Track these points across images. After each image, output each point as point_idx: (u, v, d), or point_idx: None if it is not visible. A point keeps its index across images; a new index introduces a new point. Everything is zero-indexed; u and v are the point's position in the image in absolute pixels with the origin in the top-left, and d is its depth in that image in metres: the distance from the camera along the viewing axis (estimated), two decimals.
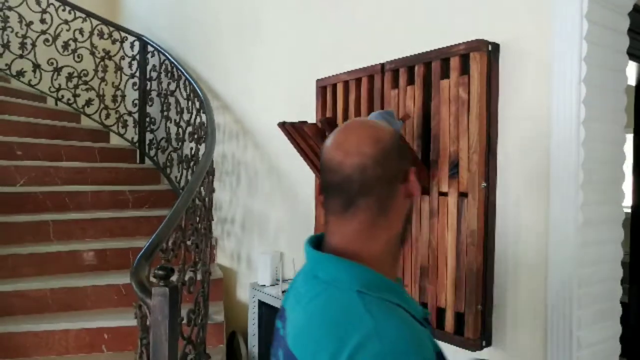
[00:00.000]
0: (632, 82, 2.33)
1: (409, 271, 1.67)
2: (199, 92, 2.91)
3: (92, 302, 2.59)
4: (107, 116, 3.83)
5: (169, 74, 3.44)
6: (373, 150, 0.74)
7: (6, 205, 2.78)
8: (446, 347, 1.57)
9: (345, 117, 1.94)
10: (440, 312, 1.58)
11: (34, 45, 3.70)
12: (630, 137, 2.41)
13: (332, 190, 0.77)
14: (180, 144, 3.29)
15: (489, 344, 1.52)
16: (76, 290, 2.57)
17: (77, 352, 2.39)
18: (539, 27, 1.39)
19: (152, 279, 1.48)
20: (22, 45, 3.70)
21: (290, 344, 0.74)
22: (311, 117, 2.15)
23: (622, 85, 1.44)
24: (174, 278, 1.56)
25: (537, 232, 1.41)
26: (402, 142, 0.82)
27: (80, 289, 2.58)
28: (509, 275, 1.48)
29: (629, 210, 2.42)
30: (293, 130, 1.87)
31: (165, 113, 3.48)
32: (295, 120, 2.01)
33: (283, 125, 1.90)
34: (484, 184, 1.47)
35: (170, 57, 3.35)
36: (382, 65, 1.77)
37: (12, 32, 3.69)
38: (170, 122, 3.44)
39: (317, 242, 0.82)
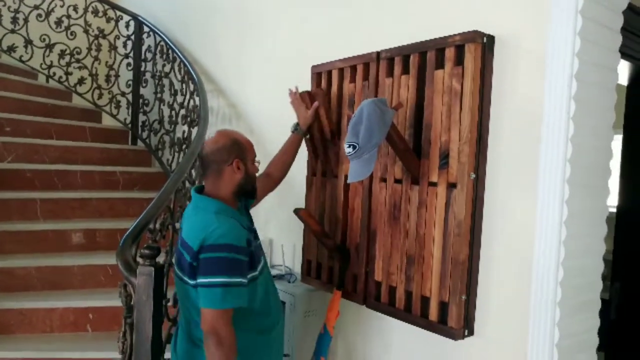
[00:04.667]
0: (623, 81, 2.34)
1: (397, 259, 1.68)
2: (194, 74, 2.88)
3: (78, 281, 2.58)
4: (100, 96, 3.78)
5: (164, 56, 3.41)
6: (214, 146, 1.55)
7: None
8: (430, 336, 1.60)
9: (339, 103, 1.93)
10: (425, 301, 1.59)
11: (26, 20, 3.65)
12: (619, 138, 2.44)
13: (200, 164, 1.60)
14: (173, 126, 3.27)
15: (471, 333, 1.54)
16: (63, 269, 2.56)
17: (62, 330, 2.39)
18: (534, 21, 1.40)
19: (139, 259, 1.48)
20: (14, 20, 3.65)
21: (184, 235, 1.48)
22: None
23: (613, 83, 1.46)
24: (160, 259, 1.56)
25: (523, 225, 1.42)
26: (239, 144, 1.57)
27: (67, 268, 2.57)
28: (494, 267, 1.49)
29: (615, 210, 2.45)
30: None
31: (159, 95, 3.45)
32: (288, 105, 2.01)
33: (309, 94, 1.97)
34: (473, 175, 1.48)
35: (166, 39, 3.31)
36: (378, 53, 1.77)
37: (4, 5, 3.63)
38: (164, 104, 3.41)
39: (199, 189, 1.59)
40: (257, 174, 1.66)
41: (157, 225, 1.84)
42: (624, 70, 2.20)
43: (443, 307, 1.55)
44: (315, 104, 1.92)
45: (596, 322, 1.50)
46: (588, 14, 1.31)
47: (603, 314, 2.54)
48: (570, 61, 1.30)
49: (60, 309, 2.38)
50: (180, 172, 2.07)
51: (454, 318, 1.51)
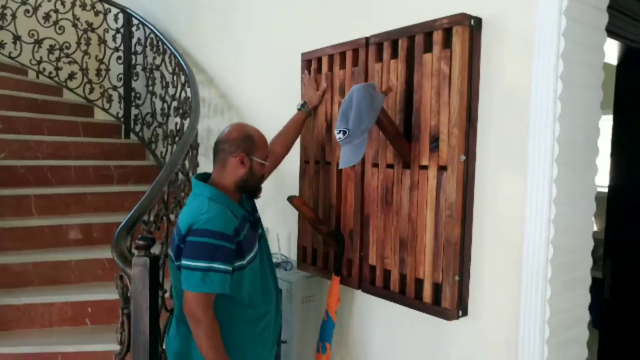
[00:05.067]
0: (613, 60, 2.35)
1: (390, 243, 1.70)
2: (184, 66, 2.87)
3: (75, 276, 2.59)
4: (91, 90, 3.76)
5: (155, 48, 3.39)
6: (227, 136, 1.58)
7: None
8: (424, 317, 1.62)
9: (330, 88, 1.94)
10: (419, 283, 1.61)
11: (14, 16, 3.62)
12: (610, 118, 2.45)
13: (213, 150, 1.61)
14: (165, 119, 3.27)
15: (465, 314, 1.56)
16: (59, 265, 2.57)
17: (61, 325, 2.40)
18: (521, 2, 1.40)
19: (134, 251, 1.49)
20: (2, 16, 3.62)
21: (179, 220, 1.51)
22: (296, 90, 2.14)
23: (600, 62, 1.46)
24: (156, 250, 1.57)
25: (513, 205, 1.44)
26: (250, 140, 1.57)
27: (63, 263, 2.58)
28: (486, 247, 1.51)
29: (606, 190, 2.47)
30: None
31: (151, 88, 3.44)
32: (279, 94, 2.01)
33: None
34: (463, 157, 1.49)
35: (155, 31, 3.29)
36: (367, 39, 1.77)
37: None
38: (156, 97, 3.40)
39: (202, 177, 1.61)
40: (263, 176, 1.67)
41: (152, 217, 1.85)
42: (613, 50, 2.21)
43: (437, 288, 1.57)
44: (324, 85, 1.93)
45: (586, 299, 1.52)
46: None
47: (596, 292, 2.58)
48: (557, 41, 1.31)
49: (58, 304, 2.40)
50: (172, 164, 2.07)
51: (447, 299, 1.53)
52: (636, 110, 2.33)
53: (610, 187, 2.45)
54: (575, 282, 1.47)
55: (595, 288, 2.48)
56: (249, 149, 1.56)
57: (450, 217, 1.50)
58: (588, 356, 1.56)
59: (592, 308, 2.47)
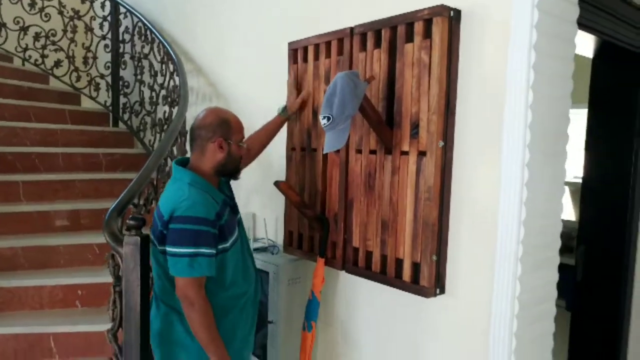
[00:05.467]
0: (589, 54, 2.43)
1: (373, 225, 1.77)
2: (173, 55, 2.90)
3: (65, 260, 2.63)
4: (78, 78, 3.77)
5: (143, 37, 3.41)
6: (202, 121, 1.61)
7: None
8: (404, 295, 1.70)
9: (316, 77, 2.00)
10: (399, 263, 1.69)
11: None
12: (585, 112, 2.55)
13: (189, 136, 1.66)
14: (153, 107, 3.30)
15: (442, 292, 1.64)
16: (49, 249, 2.61)
17: (52, 307, 2.45)
18: None
19: (125, 232, 1.54)
20: None
21: (160, 205, 1.56)
22: (283, 79, 2.20)
23: (571, 54, 1.55)
24: (146, 232, 1.63)
25: (489, 188, 1.52)
26: (227, 124, 1.62)
27: (53, 247, 2.62)
28: (463, 228, 1.59)
29: (580, 181, 2.59)
30: None
31: (139, 77, 3.46)
32: (265, 82, 2.05)
33: None
34: (441, 143, 1.57)
35: (143, 19, 3.30)
36: (352, 29, 1.83)
37: None
38: (144, 85, 3.43)
39: (181, 161, 1.65)
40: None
41: (141, 201, 1.90)
42: (589, 44, 2.30)
43: (415, 267, 1.65)
44: (303, 93, 1.99)
45: (554, 277, 1.61)
46: None
47: (570, 277, 2.70)
48: (529, 33, 1.39)
49: (48, 287, 2.44)
50: (161, 150, 2.12)
51: (425, 277, 1.61)
52: (610, 104, 2.43)
53: (584, 178, 2.56)
54: (545, 262, 1.56)
55: (569, 273, 2.60)
56: (226, 134, 1.60)
57: (429, 199, 1.58)
58: (555, 330, 1.65)
59: (566, 292, 2.59)
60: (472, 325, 1.59)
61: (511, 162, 1.45)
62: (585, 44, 2.30)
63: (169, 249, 1.48)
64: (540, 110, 1.44)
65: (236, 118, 1.68)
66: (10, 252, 2.51)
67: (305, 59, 2.06)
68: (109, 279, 2.42)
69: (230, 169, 1.66)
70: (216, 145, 1.59)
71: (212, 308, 1.53)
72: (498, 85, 1.48)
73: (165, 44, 3.05)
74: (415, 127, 1.62)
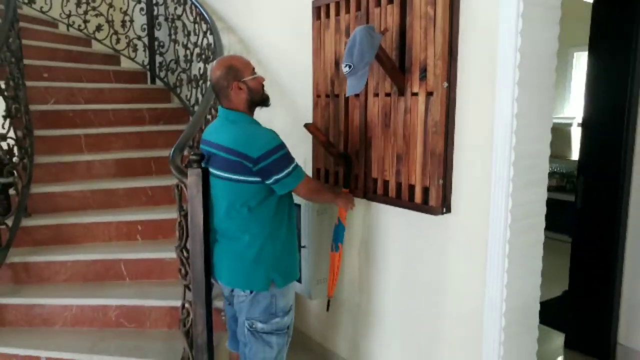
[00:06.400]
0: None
1: (389, 158, 2.10)
2: (206, 15, 3.18)
3: (125, 201, 3.05)
4: (117, 41, 4.09)
5: None
6: (215, 75, 1.84)
7: (43, 121, 3.16)
8: (417, 215, 2.04)
9: (337, 31, 2.27)
10: (411, 188, 2.02)
11: None
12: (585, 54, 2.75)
13: (212, 92, 1.93)
14: (188, 65, 3.61)
15: (448, 210, 1.97)
16: (111, 192, 3.02)
17: (118, 239, 2.88)
18: None
19: (188, 165, 1.89)
20: None
21: (225, 143, 1.80)
22: (308, 34, 2.47)
23: (556, 18, 1.78)
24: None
25: (486, 121, 1.80)
26: (233, 69, 1.83)
27: (113, 190, 3.03)
28: (464, 156, 1.90)
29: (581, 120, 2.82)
30: None
31: (173, 37, 3.75)
32: (290, 37, 2.32)
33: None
34: (446, 84, 1.85)
35: None
36: None
37: None
38: (178, 44, 3.73)
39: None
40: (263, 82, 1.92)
41: (195, 143, 2.25)
42: None
43: (425, 191, 1.98)
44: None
45: (543, 196, 1.91)
46: None
47: (571, 208, 2.99)
48: None
49: (114, 223, 2.87)
50: (206, 102, 2.45)
51: (434, 198, 1.94)
52: (607, 44, 2.63)
53: (583, 116, 2.80)
54: (533, 182, 1.86)
55: (570, 206, 2.89)
56: (237, 76, 1.82)
57: (436, 132, 1.89)
58: (543, 241, 1.97)
59: (571, 228, 2.90)
60: (473, 237, 1.91)
61: (503, 97, 1.73)
62: None
63: (278, 176, 1.76)
64: (528, 52, 1.70)
65: (239, 59, 1.90)
66: (81, 195, 2.94)
67: (327, 15, 2.33)
68: (161, 216, 2.88)
69: (258, 100, 1.89)
70: (235, 88, 1.81)
71: (280, 219, 1.87)
72: (492, 33, 1.74)
73: (198, 5, 3.32)
74: (423, 71, 1.90)
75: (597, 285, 2.78)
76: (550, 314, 2.66)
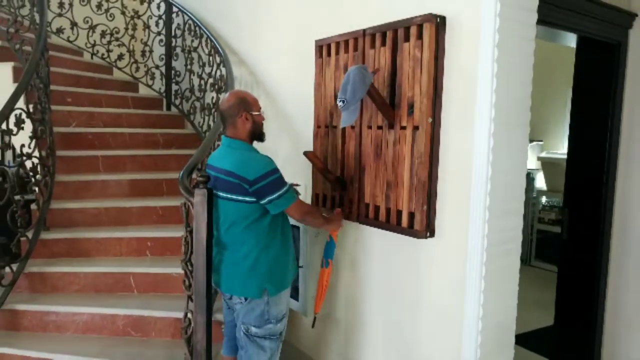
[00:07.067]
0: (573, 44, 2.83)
1: (380, 185, 2.28)
2: (219, 48, 3.45)
3: (136, 219, 3.26)
4: (137, 69, 4.39)
5: (192, 32, 3.97)
6: (227, 103, 2.11)
7: (65, 142, 3.42)
8: (403, 238, 2.21)
9: (337, 68, 2.50)
10: (399, 213, 2.20)
11: (71, 4, 4.22)
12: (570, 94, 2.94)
13: (220, 118, 2.19)
14: (202, 94, 3.87)
15: (432, 235, 2.14)
16: (124, 210, 3.24)
17: (128, 255, 3.08)
18: (470, 5, 1.93)
19: (194, 187, 2.10)
20: (61, 5, 4.22)
21: (227, 167, 2.03)
22: (311, 70, 2.71)
23: (529, 50, 1.97)
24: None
25: (465, 153, 1.99)
26: (244, 101, 2.11)
27: (126, 208, 3.25)
28: (447, 184, 2.08)
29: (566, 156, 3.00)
30: None
31: (189, 67, 4.03)
32: (294, 72, 2.55)
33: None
34: (430, 119, 2.05)
35: (193, 17, 3.87)
36: (364, 30, 2.32)
37: None
38: (194, 74, 4.00)
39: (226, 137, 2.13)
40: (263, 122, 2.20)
41: (203, 167, 2.47)
42: (572, 39, 2.71)
43: (411, 216, 2.15)
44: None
45: (519, 224, 2.07)
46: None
47: (557, 238, 3.14)
48: (493, 35, 1.84)
49: (126, 239, 3.07)
50: (215, 129, 2.68)
51: (418, 223, 2.11)
52: (590, 85, 2.83)
53: (568, 152, 2.99)
54: (509, 211, 2.03)
55: (557, 236, 3.03)
56: (247, 108, 2.10)
57: (421, 162, 2.07)
58: (520, 266, 2.12)
59: (554, 251, 3.04)
60: (454, 258, 2.07)
61: (481, 133, 1.92)
62: (569, 38, 2.72)
63: (271, 197, 1.98)
64: (502, 94, 1.90)
65: (250, 95, 2.18)
66: (96, 212, 3.16)
67: (328, 54, 2.56)
68: (170, 234, 3.08)
69: (258, 133, 2.16)
70: (243, 118, 2.08)
71: (273, 235, 2.09)
72: (472, 75, 1.94)
73: (212, 39, 3.60)
74: (411, 107, 2.11)
75: (581, 314, 2.90)
76: (541, 342, 2.78)
